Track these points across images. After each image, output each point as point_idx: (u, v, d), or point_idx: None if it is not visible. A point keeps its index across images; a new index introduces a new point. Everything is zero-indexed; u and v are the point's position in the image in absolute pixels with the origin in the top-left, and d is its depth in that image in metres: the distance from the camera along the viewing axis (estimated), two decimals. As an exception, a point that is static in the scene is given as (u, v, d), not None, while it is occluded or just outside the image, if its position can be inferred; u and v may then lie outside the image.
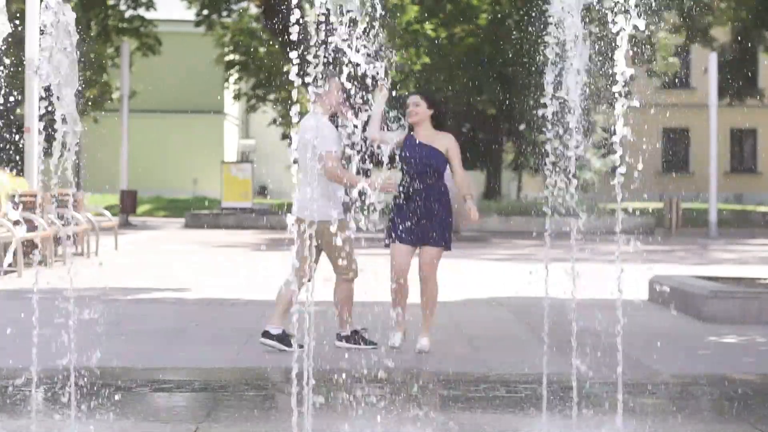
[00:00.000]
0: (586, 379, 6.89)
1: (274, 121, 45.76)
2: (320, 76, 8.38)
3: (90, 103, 35.52)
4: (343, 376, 7.17)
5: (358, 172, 8.10)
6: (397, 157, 8.58)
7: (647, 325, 10.38)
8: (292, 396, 5.25)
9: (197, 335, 9.36)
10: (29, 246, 15.57)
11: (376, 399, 6.67)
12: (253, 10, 36.98)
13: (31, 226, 15.01)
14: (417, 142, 8.59)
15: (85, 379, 6.55)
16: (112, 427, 5.74)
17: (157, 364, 7.91)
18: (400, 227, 8.53)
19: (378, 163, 8.24)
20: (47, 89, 5.74)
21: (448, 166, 8.75)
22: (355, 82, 7.72)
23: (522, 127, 43.16)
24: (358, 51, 5.37)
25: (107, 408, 6.08)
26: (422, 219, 8.56)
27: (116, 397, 6.37)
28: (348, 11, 5.53)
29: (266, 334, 8.33)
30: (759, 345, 9.19)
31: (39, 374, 6.02)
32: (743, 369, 7.91)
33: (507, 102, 39.19)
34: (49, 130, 5.98)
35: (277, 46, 34.78)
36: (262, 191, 52.37)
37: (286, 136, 48.09)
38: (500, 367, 7.78)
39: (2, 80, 7.05)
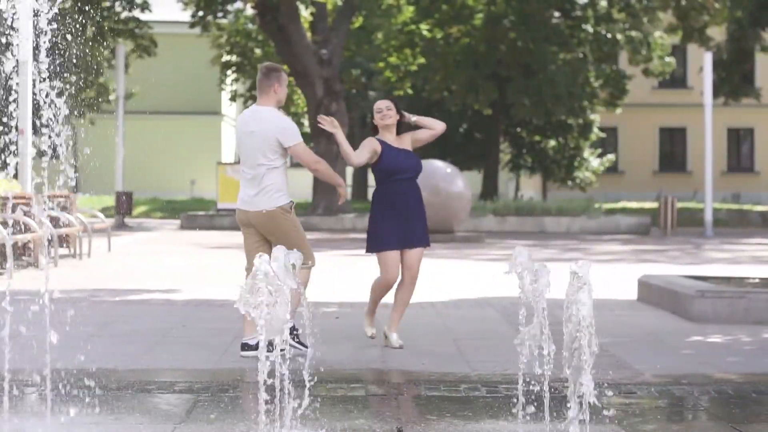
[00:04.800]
0: (565, 380, 6.89)
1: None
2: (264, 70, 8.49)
3: (86, 105, 35.52)
4: (322, 375, 7.18)
5: None
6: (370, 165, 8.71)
7: (634, 324, 10.39)
8: (267, 397, 5.26)
9: (183, 336, 9.36)
10: (21, 248, 15.58)
11: (354, 399, 6.68)
12: (249, 11, 37.00)
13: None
14: (394, 147, 8.67)
15: (67, 381, 6.56)
16: (89, 429, 5.74)
17: (141, 365, 7.91)
18: (390, 234, 8.61)
19: None
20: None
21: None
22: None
23: (518, 129, 43.27)
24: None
25: (87, 409, 6.08)
26: (409, 221, 8.65)
27: (97, 399, 6.37)
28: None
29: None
30: (744, 345, 9.18)
31: (19, 375, 6.03)
32: (726, 369, 7.91)
33: (503, 102, 39.25)
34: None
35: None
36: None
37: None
38: (483, 367, 7.78)
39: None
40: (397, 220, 8.60)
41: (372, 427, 5.90)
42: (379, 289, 8.74)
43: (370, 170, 8.92)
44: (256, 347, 8.22)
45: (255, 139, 8.25)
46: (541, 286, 5.60)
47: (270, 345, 8.19)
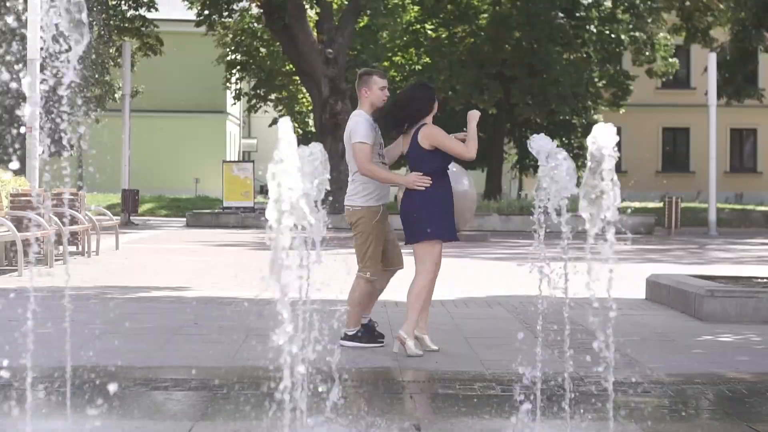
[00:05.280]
0: (579, 379, 6.93)
1: (275, 120, 45.84)
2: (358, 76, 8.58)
3: (93, 103, 35.56)
4: (339, 375, 7.22)
5: None
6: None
7: (644, 323, 10.42)
8: (286, 395, 5.29)
9: (195, 334, 9.39)
10: (30, 245, 15.62)
11: (369, 397, 6.72)
12: (254, 10, 37.03)
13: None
14: None
15: (82, 378, 6.60)
16: (107, 426, 5.77)
17: (154, 362, 7.93)
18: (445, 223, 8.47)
19: None
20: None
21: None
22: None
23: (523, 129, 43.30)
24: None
25: (103, 407, 6.11)
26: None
27: (113, 396, 6.39)
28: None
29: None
30: (754, 344, 9.22)
31: (35, 373, 6.05)
32: (738, 368, 7.94)
33: (507, 101, 39.28)
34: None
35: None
36: (263, 190, 52.44)
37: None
38: (496, 366, 7.81)
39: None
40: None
41: (389, 425, 5.93)
42: (431, 287, 8.44)
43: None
44: (354, 338, 8.41)
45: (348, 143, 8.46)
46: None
47: (366, 335, 8.44)
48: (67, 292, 5.89)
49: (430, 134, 8.36)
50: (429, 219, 8.35)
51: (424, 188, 8.33)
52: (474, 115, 8.48)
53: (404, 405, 6.59)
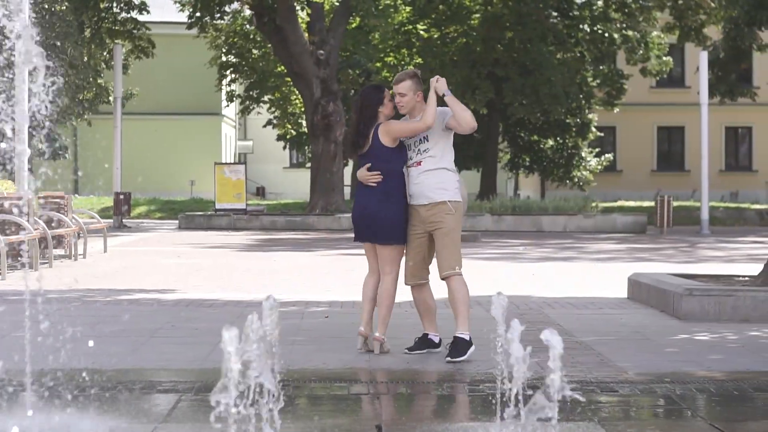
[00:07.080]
0: (544, 378, 6.92)
1: (270, 122, 45.85)
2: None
3: (85, 106, 35.56)
4: (307, 374, 7.22)
5: None
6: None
7: (622, 322, 10.41)
8: (252, 396, 5.29)
9: (171, 336, 9.39)
10: (15, 249, 15.63)
11: (337, 398, 6.72)
12: (246, 12, 37.05)
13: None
14: None
15: (51, 381, 6.59)
16: (70, 428, 5.77)
17: (127, 364, 7.92)
18: None
19: None
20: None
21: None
22: None
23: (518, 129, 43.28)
24: None
25: (69, 409, 6.11)
26: None
27: (81, 399, 6.39)
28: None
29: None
30: (729, 342, 9.21)
31: (3, 375, 6.05)
32: (710, 367, 7.93)
33: (500, 101, 39.26)
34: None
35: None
36: (259, 192, 52.43)
37: (282, 137, 48.15)
38: (466, 367, 7.81)
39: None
40: None
41: (352, 425, 5.93)
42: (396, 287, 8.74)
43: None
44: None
45: None
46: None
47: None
48: (27, 295, 5.87)
49: (390, 129, 8.32)
50: (404, 222, 8.42)
51: (375, 184, 8.28)
52: (434, 84, 8.39)
53: (369, 405, 6.59)
